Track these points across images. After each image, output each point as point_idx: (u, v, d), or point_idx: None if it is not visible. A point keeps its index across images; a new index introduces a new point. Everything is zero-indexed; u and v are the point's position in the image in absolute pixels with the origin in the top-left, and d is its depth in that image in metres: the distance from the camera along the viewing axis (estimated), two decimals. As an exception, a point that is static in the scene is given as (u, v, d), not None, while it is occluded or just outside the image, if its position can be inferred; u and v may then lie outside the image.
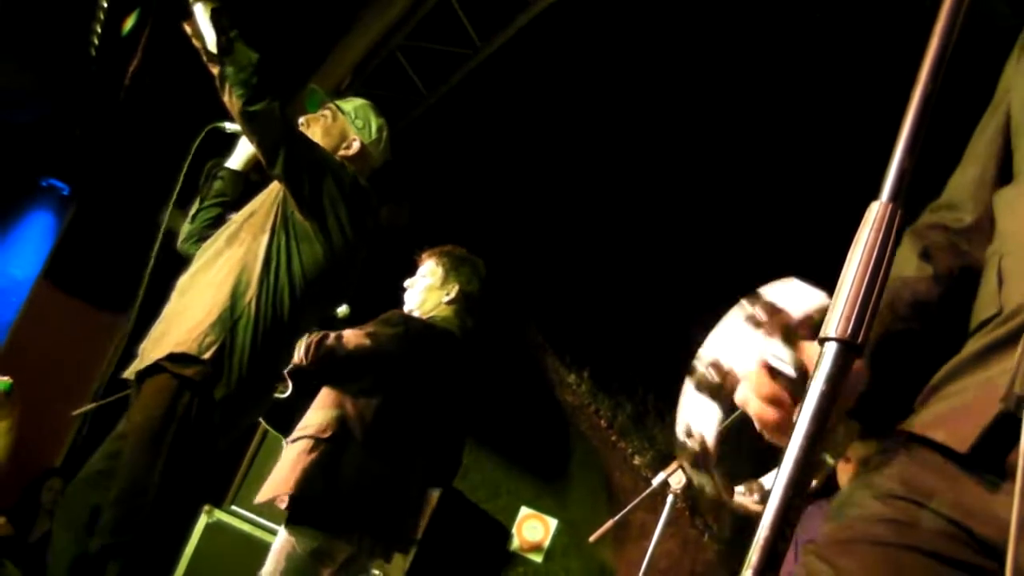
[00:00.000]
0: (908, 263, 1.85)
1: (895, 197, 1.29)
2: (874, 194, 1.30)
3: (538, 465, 10.19)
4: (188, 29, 4.15)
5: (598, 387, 10.47)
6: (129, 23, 7.93)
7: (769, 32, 8.20)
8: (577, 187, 10.08)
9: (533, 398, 10.41)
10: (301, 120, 4.76)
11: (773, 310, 1.64)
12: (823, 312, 1.32)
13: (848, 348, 1.23)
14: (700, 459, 1.68)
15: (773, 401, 1.56)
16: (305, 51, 8.73)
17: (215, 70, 4.12)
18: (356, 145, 4.70)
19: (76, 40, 7.95)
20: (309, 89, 4.93)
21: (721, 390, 1.66)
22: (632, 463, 10.27)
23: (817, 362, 1.25)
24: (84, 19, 7.94)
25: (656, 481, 5.38)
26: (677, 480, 5.27)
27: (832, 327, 1.24)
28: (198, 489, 4.51)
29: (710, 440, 1.66)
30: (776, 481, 1.20)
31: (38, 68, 7.73)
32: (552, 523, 9.85)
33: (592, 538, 5.63)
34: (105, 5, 7.80)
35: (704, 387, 1.68)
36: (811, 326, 1.59)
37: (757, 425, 1.61)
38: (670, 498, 5.33)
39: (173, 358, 4.08)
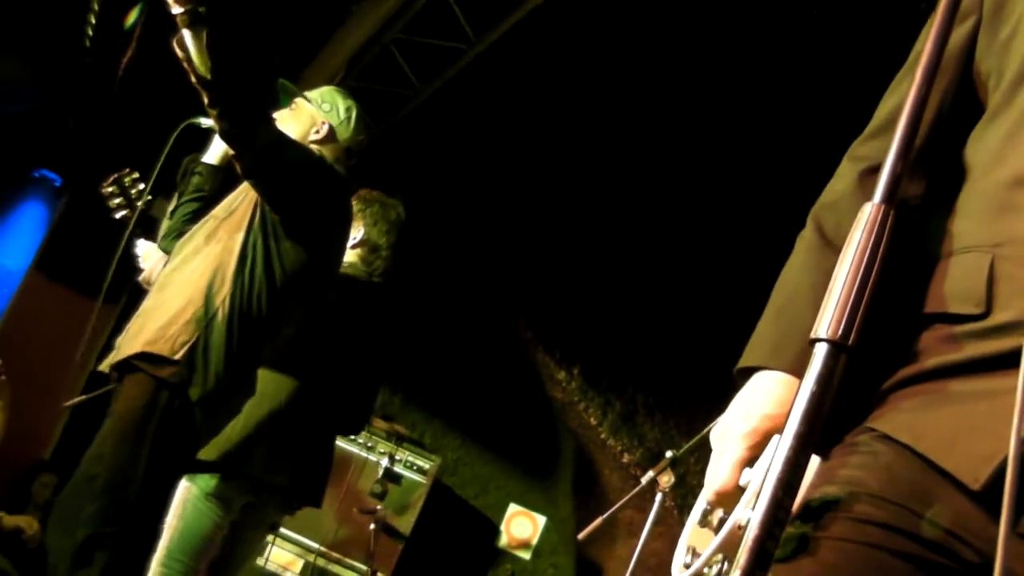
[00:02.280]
0: (848, 184, 1.87)
1: (888, 199, 1.29)
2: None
3: (527, 462, 10.19)
4: (177, 50, 4.14)
5: (588, 384, 10.48)
6: (132, 17, 7.92)
7: (765, 33, 8.21)
8: (569, 182, 10.08)
9: (522, 394, 10.41)
10: (274, 115, 4.76)
11: None
12: None
13: (838, 349, 1.23)
14: None
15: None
16: (299, 44, 8.72)
17: (204, 94, 4.11)
18: (325, 128, 4.69)
19: (70, 32, 7.93)
20: (279, 84, 4.92)
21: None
22: (621, 461, 10.28)
23: (808, 362, 1.24)
24: (78, 11, 7.93)
25: (645, 479, 5.38)
26: (666, 479, 5.27)
27: (823, 328, 1.24)
28: (179, 477, 4.51)
29: None
30: (765, 481, 1.20)
31: (32, 59, 7.72)
32: (541, 520, 9.85)
33: (581, 536, 5.64)
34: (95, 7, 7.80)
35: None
36: None
37: None
38: (659, 496, 5.34)
39: (146, 358, 4.07)
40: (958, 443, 1.50)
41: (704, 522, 1.84)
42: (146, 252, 4.98)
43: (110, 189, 4.68)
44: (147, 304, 4.37)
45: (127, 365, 4.12)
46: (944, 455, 1.50)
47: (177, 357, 4.03)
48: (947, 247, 1.69)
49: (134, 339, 4.16)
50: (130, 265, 4.91)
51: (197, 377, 4.07)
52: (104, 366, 4.30)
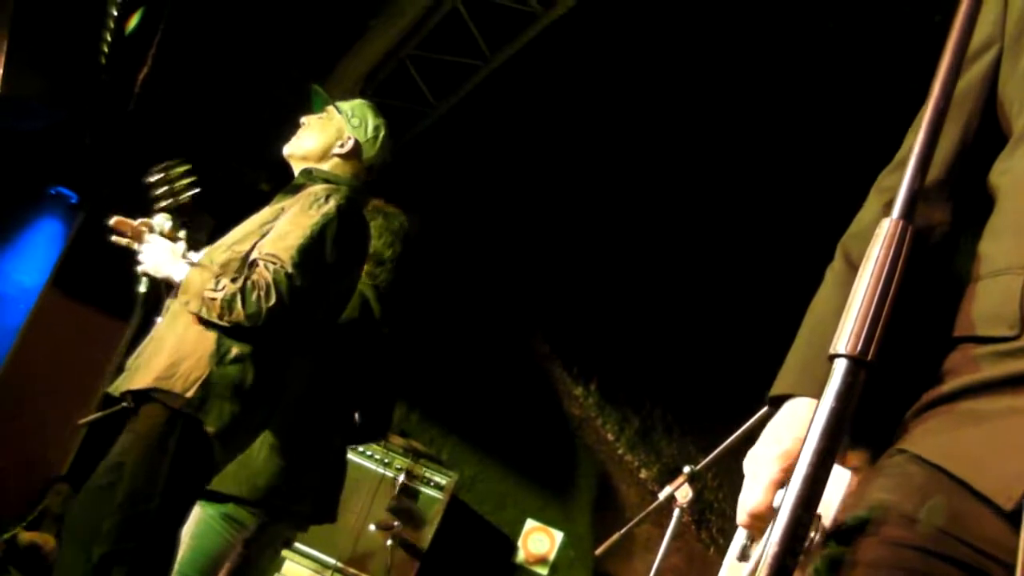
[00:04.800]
0: (873, 216, 1.87)
1: (906, 215, 1.28)
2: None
3: (544, 478, 10.18)
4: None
5: (605, 400, 10.46)
6: (133, 22, 7.93)
7: (781, 48, 8.20)
8: (586, 198, 10.08)
9: (539, 410, 10.40)
10: (303, 120, 4.74)
11: None
12: None
13: (858, 364, 1.22)
14: None
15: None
16: (315, 60, 8.73)
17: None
18: (350, 143, 4.65)
19: (86, 48, 7.96)
20: (312, 90, 4.89)
21: None
22: (638, 476, 10.26)
23: (819, 386, 1.24)
24: (94, 27, 7.95)
25: (662, 495, 5.36)
26: (683, 494, 5.25)
27: (842, 343, 1.24)
28: (199, 496, 4.49)
29: None
30: (786, 497, 1.19)
31: (48, 76, 7.74)
32: (558, 536, 9.84)
33: (598, 551, 5.62)
34: (115, 13, 7.81)
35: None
36: None
37: None
38: (676, 512, 5.31)
39: (160, 392, 4.05)
40: (990, 463, 1.49)
41: (743, 556, 1.83)
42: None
43: (156, 177, 4.62)
44: (159, 331, 4.31)
45: (142, 395, 4.10)
46: (977, 475, 1.49)
47: (189, 395, 4.01)
48: (977, 270, 1.68)
49: (146, 369, 4.12)
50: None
51: (212, 414, 4.04)
52: (114, 389, 4.27)
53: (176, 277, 4.26)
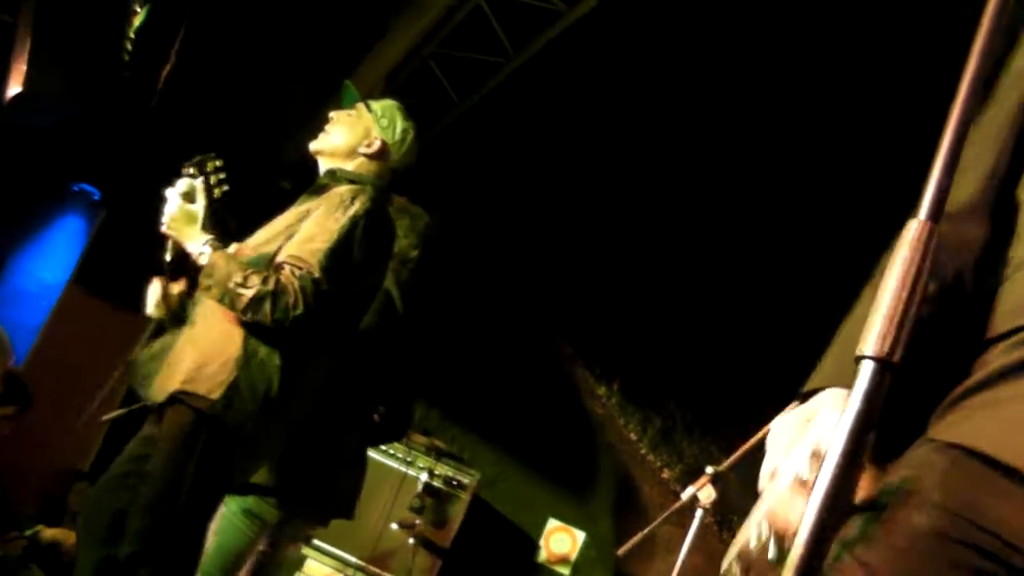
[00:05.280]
0: None
1: (932, 216, 1.27)
2: (909, 211, 1.29)
3: (566, 477, 10.17)
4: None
5: (627, 400, 10.45)
6: (137, 20, 7.94)
7: (807, 50, 8.17)
8: (609, 197, 10.06)
9: (562, 410, 10.39)
10: (331, 115, 4.72)
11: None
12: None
13: (884, 366, 1.22)
14: None
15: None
16: (338, 58, 8.74)
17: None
18: (377, 144, 4.64)
19: (108, 45, 7.97)
20: (344, 85, 4.88)
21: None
22: (660, 476, 10.25)
23: (854, 380, 1.23)
24: (117, 24, 7.96)
25: (685, 495, 5.34)
26: (706, 494, 5.23)
27: (869, 345, 1.23)
28: (223, 495, 4.50)
29: None
30: (811, 500, 1.18)
31: (70, 73, 7.75)
32: (580, 536, 9.82)
33: (620, 551, 5.60)
34: (137, 10, 7.82)
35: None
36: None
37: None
38: (699, 512, 5.30)
39: (185, 394, 4.05)
40: (1010, 438, 1.50)
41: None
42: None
43: (190, 171, 4.61)
44: (186, 334, 4.31)
45: (168, 397, 4.10)
46: (997, 448, 1.50)
47: (215, 397, 4.00)
48: (1006, 272, 1.70)
49: (172, 372, 4.12)
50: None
51: (237, 417, 4.04)
52: (144, 391, 4.27)
53: (189, 247, 4.27)
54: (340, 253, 4.18)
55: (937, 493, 1.52)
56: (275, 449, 4.43)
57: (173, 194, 4.42)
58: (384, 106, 4.78)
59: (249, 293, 4.01)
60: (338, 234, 4.20)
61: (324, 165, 4.66)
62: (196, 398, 4.00)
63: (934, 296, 1.72)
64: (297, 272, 4.06)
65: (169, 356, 4.22)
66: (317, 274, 4.07)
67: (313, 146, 4.68)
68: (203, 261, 4.20)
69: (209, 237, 4.29)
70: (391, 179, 4.73)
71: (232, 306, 4.05)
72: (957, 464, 1.53)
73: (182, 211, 4.35)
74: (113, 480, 4.20)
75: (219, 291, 4.08)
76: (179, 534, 4.01)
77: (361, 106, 4.77)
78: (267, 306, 3.99)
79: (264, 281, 4.03)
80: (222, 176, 4.64)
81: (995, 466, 1.48)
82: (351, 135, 4.65)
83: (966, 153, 1.81)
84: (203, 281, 4.16)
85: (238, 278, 4.06)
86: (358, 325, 4.67)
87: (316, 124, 4.79)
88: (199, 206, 4.40)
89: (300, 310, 4.00)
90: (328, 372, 4.59)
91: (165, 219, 4.37)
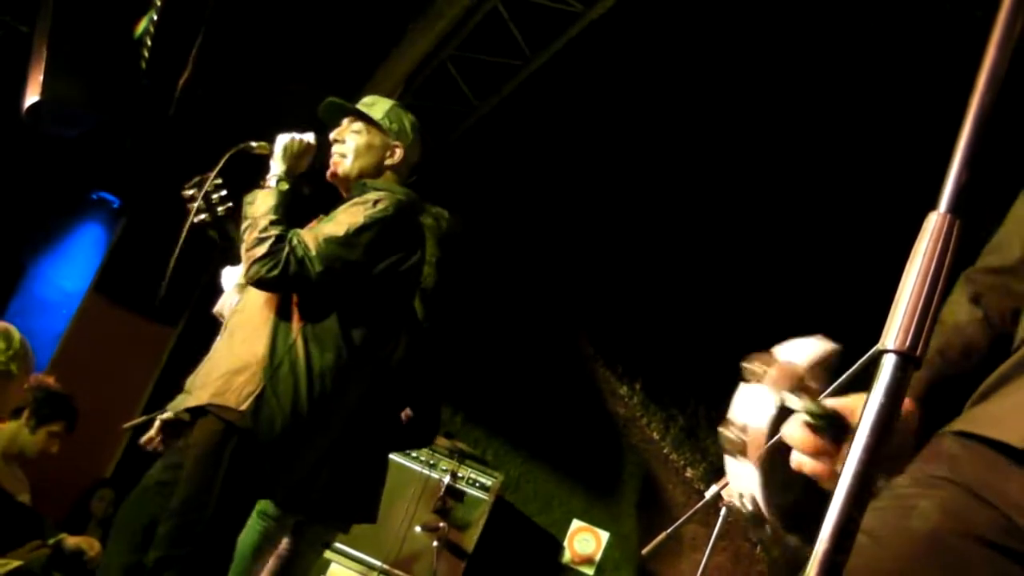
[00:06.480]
0: (960, 307, 1.89)
1: (953, 209, 1.27)
2: (930, 205, 1.29)
3: (590, 478, 10.16)
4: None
5: (650, 399, 10.43)
6: (141, 27, 7.94)
7: (824, 44, 8.16)
8: (629, 198, 10.05)
9: (584, 410, 10.38)
10: (332, 135, 4.70)
11: (779, 364, 1.74)
12: (827, 359, 1.48)
13: (906, 360, 1.22)
14: (758, 519, 1.73)
15: (820, 454, 1.61)
16: (356, 62, 8.74)
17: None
18: (399, 152, 4.67)
19: (126, 53, 7.98)
20: (326, 103, 4.81)
21: (747, 447, 1.73)
22: (684, 476, 10.23)
23: (876, 374, 1.24)
24: (134, 32, 7.97)
25: (709, 494, 5.35)
26: (729, 493, 5.23)
27: (891, 339, 1.23)
28: (254, 504, 4.51)
29: (760, 500, 1.72)
30: (835, 494, 1.20)
31: (88, 81, 7.76)
32: (604, 536, 9.81)
33: (644, 551, 5.62)
34: (156, 19, 7.83)
35: (735, 450, 1.75)
36: (817, 373, 1.69)
37: (817, 480, 1.65)
38: (723, 511, 5.30)
39: (215, 406, 4.07)
40: (1009, 420, 1.60)
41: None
42: (228, 279, 4.90)
43: (191, 192, 4.65)
44: (216, 349, 4.37)
45: (198, 409, 4.14)
46: (997, 430, 1.61)
47: (243, 408, 4.02)
48: None
49: (203, 387, 4.17)
50: (191, 279, 4.86)
51: (264, 426, 4.05)
52: (172, 409, 4.32)
53: (272, 168, 4.46)
54: (342, 244, 4.24)
55: (941, 469, 1.65)
56: (311, 458, 4.42)
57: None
58: (387, 112, 4.77)
59: (256, 233, 4.15)
60: (347, 227, 4.28)
61: (348, 188, 4.67)
62: (225, 410, 4.04)
63: (987, 336, 1.84)
64: (294, 242, 4.14)
65: (203, 370, 4.28)
66: (312, 253, 4.14)
67: (340, 172, 4.66)
68: (267, 186, 4.36)
69: (284, 175, 4.44)
70: (409, 175, 4.78)
71: (245, 237, 4.19)
72: (965, 448, 1.65)
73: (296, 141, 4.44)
74: (151, 486, 4.25)
75: (249, 220, 4.23)
76: (207, 542, 4.04)
77: (364, 123, 4.73)
78: (259, 251, 4.11)
79: (279, 237, 4.13)
80: (223, 193, 4.69)
81: (990, 444, 1.61)
82: (372, 155, 4.67)
83: (1018, 213, 1.88)
84: (245, 206, 4.31)
85: (267, 220, 4.18)
86: (391, 340, 4.68)
87: (328, 142, 4.77)
88: (309, 136, 4.53)
89: (276, 272, 4.08)
90: (366, 383, 4.60)
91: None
